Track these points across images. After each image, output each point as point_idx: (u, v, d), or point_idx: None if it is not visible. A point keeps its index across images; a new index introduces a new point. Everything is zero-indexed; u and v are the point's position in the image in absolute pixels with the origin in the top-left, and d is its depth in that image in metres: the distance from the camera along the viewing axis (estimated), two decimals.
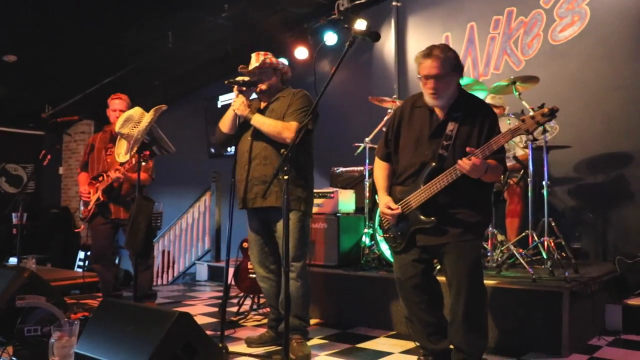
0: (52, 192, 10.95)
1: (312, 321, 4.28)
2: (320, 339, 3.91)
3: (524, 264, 3.84)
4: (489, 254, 4.23)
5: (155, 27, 6.87)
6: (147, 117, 3.82)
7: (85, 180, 4.73)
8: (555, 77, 5.26)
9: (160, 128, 4.05)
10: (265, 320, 4.28)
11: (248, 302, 4.86)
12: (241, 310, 4.71)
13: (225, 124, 3.62)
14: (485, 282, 2.91)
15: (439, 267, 3.31)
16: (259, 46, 3.92)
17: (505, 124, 4.09)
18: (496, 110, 4.70)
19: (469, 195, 2.80)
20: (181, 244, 8.85)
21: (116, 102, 4.72)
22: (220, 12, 6.39)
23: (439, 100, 2.83)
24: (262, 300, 4.80)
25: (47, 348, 2.60)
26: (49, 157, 5.09)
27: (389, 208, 2.93)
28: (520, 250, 4.04)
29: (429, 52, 2.78)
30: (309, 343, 3.68)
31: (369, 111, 5.97)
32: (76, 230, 8.86)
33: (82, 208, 4.71)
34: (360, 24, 6.52)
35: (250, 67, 3.58)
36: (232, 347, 3.50)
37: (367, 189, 4.83)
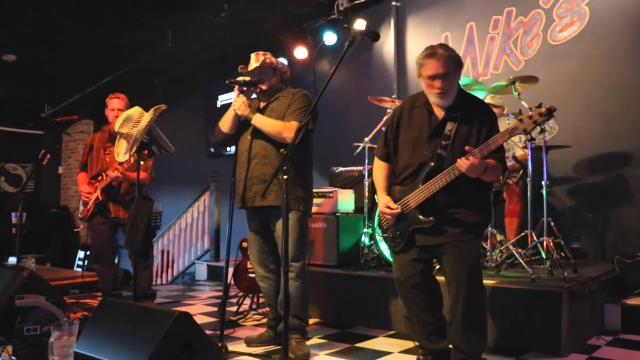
0: (52, 192, 10.95)
1: (312, 321, 4.29)
2: (320, 338, 3.92)
3: (523, 264, 3.85)
4: (488, 253, 4.24)
5: (155, 26, 6.87)
6: (147, 116, 3.81)
7: (85, 180, 4.74)
8: (555, 77, 5.27)
9: (160, 127, 4.05)
10: (264, 320, 4.28)
11: (247, 301, 4.86)
12: (240, 309, 4.71)
13: (225, 124, 3.62)
14: (484, 281, 2.91)
15: (438, 266, 3.32)
16: (259, 46, 3.92)
17: (504, 124, 4.09)
18: (496, 110, 4.72)
19: (468, 195, 2.80)
20: (180, 244, 8.85)
21: (114, 102, 4.73)
22: (220, 11, 6.39)
23: (445, 100, 2.83)
24: (261, 300, 4.80)
25: (47, 347, 2.61)
26: (48, 156, 5.08)
27: (389, 207, 2.93)
28: (520, 250, 4.04)
29: (432, 52, 2.79)
30: (309, 342, 3.69)
31: (368, 111, 5.97)
32: (75, 230, 8.86)
33: (81, 207, 4.71)
34: (360, 24, 6.52)
35: (250, 67, 3.59)
36: (232, 347, 3.50)
37: (366, 189, 4.83)
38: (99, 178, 4.57)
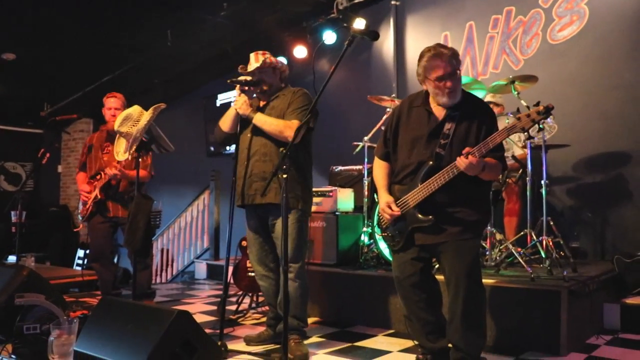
0: (51, 191, 10.95)
1: (311, 319, 4.29)
2: (319, 337, 3.92)
3: (523, 263, 3.85)
4: (487, 252, 4.24)
5: (155, 26, 6.86)
6: (146, 115, 3.81)
7: (84, 180, 4.74)
8: (554, 77, 5.27)
9: (159, 126, 4.05)
10: (263, 319, 4.29)
11: (247, 300, 4.86)
12: (240, 308, 4.72)
13: (225, 123, 3.62)
14: (483, 281, 2.91)
15: (437, 265, 3.33)
16: (258, 45, 3.93)
17: (503, 123, 4.08)
18: (496, 109, 4.74)
19: (467, 193, 2.81)
20: (180, 243, 8.85)
21: (111, 101, 4.73)
22: (220, 11, 6.38)
23: (455, 98, 2.83)
24: (260, 299, 4.81)
25: (47, 346, 2.61)
26: (47, 155, 5.08)
27: (389, 208, 2.93)
28: (519, 250, 4.05)
29: (437, 53, 2.78)
30: (308, 341, 3.70)
31: (367, 110, 5.98)
32: (75, 230, 8.86)
33: (80, 207, 4.71)
34: (359, 23, 6.51)
35: (250, 66, 3.59)
36: (231, 345, 3.50)
37: (365, 188, 4.84)
38: (98, 177, 4.58)
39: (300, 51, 7.12)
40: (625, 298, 4.10)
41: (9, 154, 10.48)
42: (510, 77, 4.32)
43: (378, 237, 4.33)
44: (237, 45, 7.34)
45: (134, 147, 3.82)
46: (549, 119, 4.13)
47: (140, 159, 3.86)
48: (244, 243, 4.58)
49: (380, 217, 3.07)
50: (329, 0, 6.69)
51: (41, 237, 9.51)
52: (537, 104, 2.66)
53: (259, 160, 3.50)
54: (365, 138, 4.95)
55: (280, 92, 3.63)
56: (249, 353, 3.42)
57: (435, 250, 2.88)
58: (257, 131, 3.51)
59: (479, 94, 4.38)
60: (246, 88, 3.54)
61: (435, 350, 3.00)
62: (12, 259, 6.92)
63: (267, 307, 3.91)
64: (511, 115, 4.32)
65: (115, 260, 5.75)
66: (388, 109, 4.99)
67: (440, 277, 3.00)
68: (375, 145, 3.38)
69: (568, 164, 5.19)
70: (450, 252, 2.80)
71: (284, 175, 2.81)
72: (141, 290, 4.36)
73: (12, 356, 2.96)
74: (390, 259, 3.25)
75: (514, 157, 4.48)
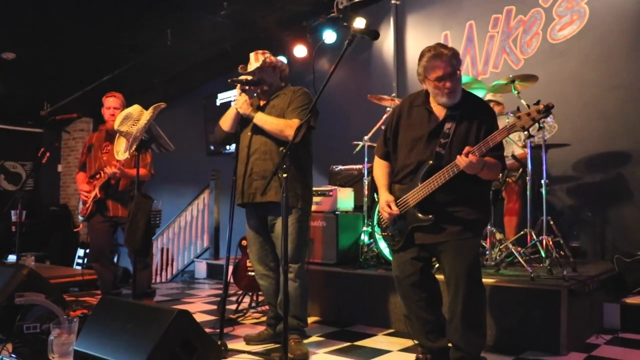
0: (51, 190, 10.95)
1: (311, 319, 4.29)
2: (319, 336, 3.92)
3: (523, 263, 3.85)
4: (487, 252, 4.24)
5: (154, 25, 6.86)
6: (146, 114, 3.82)
7: (84, 180, 4.74)
8: (554, 76, 5.27)
9: (159, 126, 4.05)
10: (263, 318, 4.29)
11: (247, 299, 4.86)
12: (240, 308, 4.72)
13: (226, 122, 3.62)
14: (483, 280, 2.92)
15: (437, 265, 3.33)
16: (258, 44, 3.92)
17: (504, 123, 4.08)
18: (497, 108, 4.74)
19: (467, 193, 2.81)
20: (180, 242, 8.85)
21: (110, 100, 4.74)
22: (219, 10, 6.38)
23: (455, 98, 2.83)
24: (260, 298, 4.81)
25: (47, 345, 2.61)
26: (47, 154, 5.08)
27: (389, 207, 2.93)
28: (519, 249, 4.05)
29: (437, 53, 2.78)
30: (308, 340, 3.70)
31: (367, 109, 5.97)
32: (75, 230, 8.86)
33: (81, 206, 4.72)
34: (359, 22, 6.51)
35: (250, 66, 3.59)
36: (231, 345, 3.50)
37: (365, 187, 4.84)
38: (97, 176, 4.58)
39: (300, 50, 7.12)
40: (625, 297, 4.10)
41: (9, 153, 10.48)
42: (511, 76, 4.31)
43: (378, 236, 4.33)
44: (237, 45, 7.34)
45: (134, 147, 3.82)
46: (549, 119, 4.13)
47: (139, 157, 3.86)
48: (243, 242, 4.58)
49: (380, 217, 3.07)
50: None
51: (41, 237, 9.51)
52: (537, 103, 2.66)
53: (259, 158, 3.50)
54: (365, 137, 4.95)
55: (280, 91, 3.64)
56: (249, 352, 3.42)
57: (435, 250, 2.88)
58: (258, 130, 3.51)
59: (479, 93, 4.37)
60: (247, 88, 3.54)
61: (435, 350, 3.00)
62: (12, 258, 6.92)
63: (267, 307, 3.91)
64: (511, 115, 4.32)
65: (115, 259, 5.76)
66: (388, 109, 4.99)
67: (440, 277, 3.00)
68: (375, 145, 3.38)
69: (568, 163, 5.19)
70: (450, 251, 2.80)
71: (284, 175, 2.81)
72: (141, 290, 4.36)
73: (12, 355, 2.96)
74: (390, 258, 3.25)
75: (513, 156, 4.48)
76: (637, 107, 4.86)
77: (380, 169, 3.11)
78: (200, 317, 4.50)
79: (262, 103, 3.64)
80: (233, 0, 6.30)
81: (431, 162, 2.82)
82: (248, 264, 4.47)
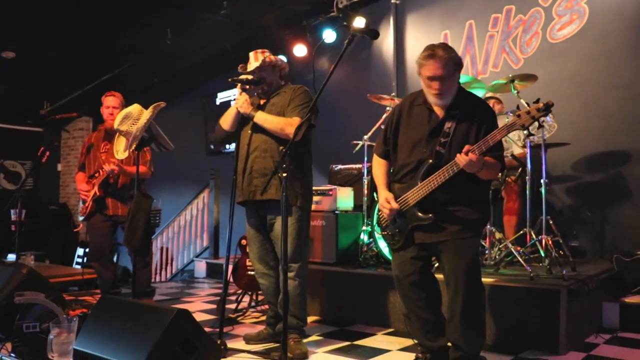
0: (51, 189, 10.95)
1: (311, 318, 4.30)
2: (318, 335, 3.92)
3: (522, 262, 3.85)
4: (486, 251, 4.24)
5: (154, 24, 6.86)
6: (146, 114, 3.82)
7: (83, 179, 4.74)
8: (554, 76, 5.27)
9: (159, 125, 4.05)
10: (263, 317, 4.29)
11: (246, 299, 4.86)
12: (239, 307, 4.72)
13: (226, 122, 3.63)
14: (483, 279, 2.92)
15: (437, 264, 3.33)
16: (258, 44, 3.92)
17: (504, 122, 4.07)
18: (498, 107, 4.74)
19: (467, 192, 2.81)
20: (179, 241, 8.85)
21: (109, 100, 4.74)
22: (219, 9, 6.38)
23: (443, 100, 2.84)
24: (260, 298, 4.81)
25: (46, 344, 2.61)
26: (47, 153, 5.09)
27: (388, 203, 2.93)
28: (518, 248, 4.05)
29: (432, 53, 2.78)
30: (307, 340, 3.70)
31: (367, 109, 5.97)
32: (75, 230, 8.86)
33: (80, 205, 4.72)
34: (359, 22, 6.51)
35: (250, 65, 3.60)
36: (231, 344, 3.50)
37: (365, 187, 4.84)
38: (97, 175, 4.58)
39: (300, 50, 7.12)
40: (624, 297, 4.11)
41: (9, 153, 10.47)
42: (510, 76, 4.32)
43: (378, 235, 4.33)
44: (237, 44, 7.34)
45: (134, 146, 3.82)
46: (548, 118, 4.13)
47: (139, 155, 3.86)
48: (243, 242, 4.58)
49: (380, 216, 3.07)
50: None
51: (41, 236, 9.51)
52: (537, 101, 2.65)
53: (259, 156, 3.51)
54: (365, 137, 4.95)
55: (280, 89, 3.64)
56: (249, 352, 3.42)
57: (435, 249, 2.88)
58: (258, 128, 3.52)
59: (479, 92, 4.38)
60: (247, 87, 3.54)
61: (434, 349, 3.00)
62: (11, 257, 6.92)
63: (266, 306, 3.91)
64: (511, 114, 4.32)
65: (115, 259, 5.76)
66: (388, 108, 4.99)
67: (439, 276, 3.00)
68: (374, 144, 3.38)
69: (567, 162, 5.19)
70: (450, 250, 2.80)
71: (284, 174, 2.81)
72: (141, 289, 4.36)
73: (12, 355, 2.96)
74: (390, 257, 3.25)
75: (513, 155, 4.48)
76: (637, 106, 4.86)
77: (379, 167, 3.12)
78: (199, 317, 4.50)
79: (262, 102, 3.64)
80: None
81: (431, 161, 2.82)
82: (248, 263, 4.47)
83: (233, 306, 4.71)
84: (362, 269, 4.43)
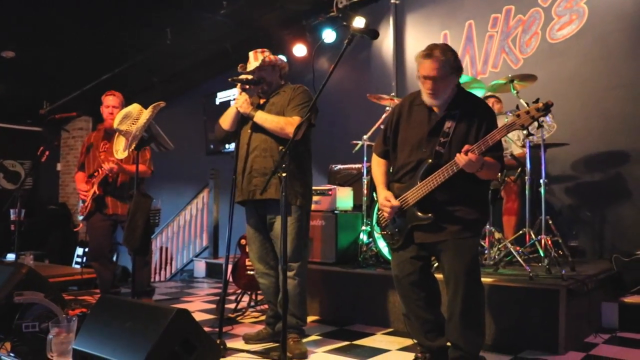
0: (50, 189, 10.94)
1: (310, 318, 4.30)
2: (318, 335, 3.92)
3: (521, 262, 3.85)
4: (486, 251, 4.25)
5: (154, 24, 6.85)
6: (146, 113, 3.82)
7: (82, 179, 4.74)
8: (553, 76, 5.27)
9: (159, 125, 4.05)
10: (262, 317, 4.30)
11: (246, 298, 4.86)
12: (239, 307, 4.72)
13: (226, 121, 3.63)
14: (482, 279, 2.92)
15: (436, 264, 3.33)
16: (257, 43, 3.91)
17: (503, 122, 4.09)
18: (497, 106, 4.75)
19: (466, 192, 2.81)
20: (179, 241, 8.84)
21: (109, 99, 4.74)
22: (219, 9, 6.38)
23: (435, 100, 2.84)
24: (259, 297, 4.81)
25: (45, 344, 2.61)
26: (46, 153, 5.09)
27: (388, 201, 2.93)
28: (518, 248, 4.05)
29: (429, 53, 2.78)
30: (307, 339, 3.70)
31: (367, 109, 5.97)
32: (75, 230, 8.87)
33: (80, 205, 4.72)
34: (359, 22, 6.52)
35: (249, 65, 3.60)
36: (230, 344, 3.50)
37: (365, 187, 4.84)
38: (96, 174, 4.58)
39: (299, 50, 7.12)
40: (623, 297, 4.11)
41: (8, 152, 10.47)
42: (510, 76, 4.32)
43: (377, 235, 4.34)
44: (237, 44, 7.34)
45: (133, 146, 3.82)
46: (547, 118, 4.13)
47: (139, 154, 3.86)
48: (243, 241, 4.58)
49: (380, 215, 3.07)
50: None
51: (40, 235, 9.51)
52: (537, 101, 2.66)
53: (259, 155, 3.51)
54: (365, 137, 4.95)
55: (280, 89, 3.64)
56: (248, 351, 3.42)
57: (434, 249, 2.89)
58: (257, 127, 3.52)
59: (478, 93, 4.38)
60: (247, 86, 3.54)
61: (433, 349, 3.00)
62: (11, 257, 6.92)
63: (265, 306, 3.91)
64: (510, 114, 4.33)
65: (115, 258, 5.75)
66: (387, 108, 5.00)
67: (439, 276, 3.00)
68: (374, 144, 3.38)
69: (567, 162, 5.20)
70: (450, 250, 2.80)
71: (284, 174, 2.81)
72: (140, 288, 4.36)
73: (11, 354, 2.96)
74: (389, 257, 3.25)
75: (512, 155, 4.49)
76: (636, 106, 4.87)
77: (378, 167, 3.12)
78: (199, 316, 4.50)
79: (261, 101, 3.64)
80: None
81: (430, 160, 2.82)
82: (247, 263, 4.47)
83: (232, 306, 4.71)
84: (361, 268, 4.43)
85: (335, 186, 4.84)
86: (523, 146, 4.30)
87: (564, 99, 4.92)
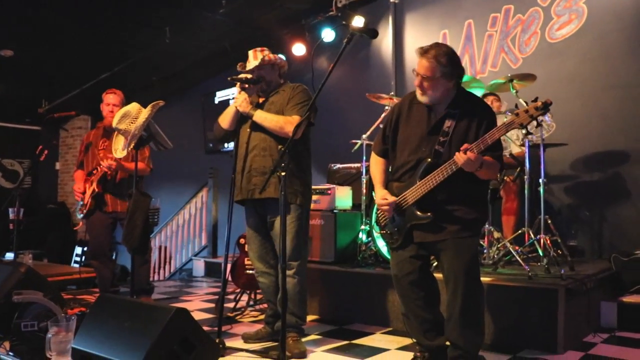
0: (49, 188, 10.94)
1: (309, 317, 4.29)
2: (317, 334, 3.92)
3: (520, 262, 3.86)
4: (485, 251, 4.25)
5: (153, 23, 6.85)
6: (145, 112, 3.81)
7: (81, 178, 4.74)
8: (552, 75, 5.27)
9: (158, 124, 4.05)
10: (261, 316, 4.30)
11: (245, 298, 4.87)
12: (238, 306, 4.72)
13: (225, 120, 3.62)
14: (481, 279, 2.92)
15: (435, 263, 3.33)
16: (257, 42, 3.91)
17: (503, 121, 4.10)
18: (496, 105, 4.75)
19: (466, 192, 2.81)
20: (178, 240, 8.84)
21: (110, 97, 4.75)
22: (218, 8, 6.37)
23: (424, 97, 2.85)
24: (258, 297, 4.81)
25: (44, 343, 2.61)
26: (45, 152, 5.09)
27: (385, 199, 2.93)
28: (517, 248, 4.05)
29: (425, 51, 2.79)
30: (306, 339, 3.70)
31: (366, 108, 5.97)
32: (75, 229, 8.86)
33: (80, 203, 4.71)
34: (358, 21, 6.51)
35: (249, 63, 3.59)
36: (229, 343, 3.50)
37: (364, 186, 4.84)
38: (95, 172, 4.58)
39: (299, 49, 7.12)
40: (622, 296, 4.12)
41: (7, 151, 10.46)
42: (509, 75, 4.33)
43: (376, 234, 4.34)
44: (236, 43, 7.33)
45: (132, 145, 3.81)
46: (547, 118, 4.14)
47: (137, 152, 3.86)
48: (242, 240, 4.58)
49: (379, 215, 3.07)
50: None
51: (39, 234, 9.50)
52: (535, 100, 2.66)
53: (258, 155, 3.50)
54: (364, 136, 4.95)
55: (279, 88, 3.64)
56: (247, 350, 3.42)
57: (434, 248, 2.88)
58: (257, 126, 3.51)
59: (477, 92, 4.38)
60: (246, 86, 3.54)
61: (433, 348, 3.00)
62: (9, 256, 6.91)
63: (265, 305, 3.91)
64: (509, 114, 4.32)
65: (114, 257, 5.75)
66: (386, 107, 5.00)
67: (438, 275, 3.00)
68: (373, 143, 3.38)
69: (566, 162, 5.20)
70: (449, 250, 2.80)
71: (283, 173, 2.81)
72: (139, 286, 4.37)
73: (10, 353, 2.96)
74: (388, 256, 3.25)
75: (511, 155, 4.49)
76: (636, 106, 4.87)
77: (376, 166, 3.12)
78: (198, 315, 4.50)
79: (261, 100, 3.64)
80: None
81: (430, 159, 2.82)
82: (246, 262, 4.47)
83: (231, 305, 4.71)
84: (360, 268, 4.43)
85: (334, 185, 4.84)
86: (522, 145, 4.31)
87: (563, 98, 4.92)
